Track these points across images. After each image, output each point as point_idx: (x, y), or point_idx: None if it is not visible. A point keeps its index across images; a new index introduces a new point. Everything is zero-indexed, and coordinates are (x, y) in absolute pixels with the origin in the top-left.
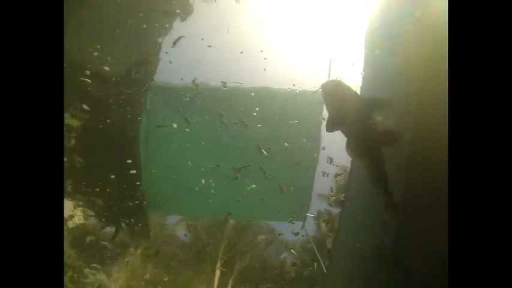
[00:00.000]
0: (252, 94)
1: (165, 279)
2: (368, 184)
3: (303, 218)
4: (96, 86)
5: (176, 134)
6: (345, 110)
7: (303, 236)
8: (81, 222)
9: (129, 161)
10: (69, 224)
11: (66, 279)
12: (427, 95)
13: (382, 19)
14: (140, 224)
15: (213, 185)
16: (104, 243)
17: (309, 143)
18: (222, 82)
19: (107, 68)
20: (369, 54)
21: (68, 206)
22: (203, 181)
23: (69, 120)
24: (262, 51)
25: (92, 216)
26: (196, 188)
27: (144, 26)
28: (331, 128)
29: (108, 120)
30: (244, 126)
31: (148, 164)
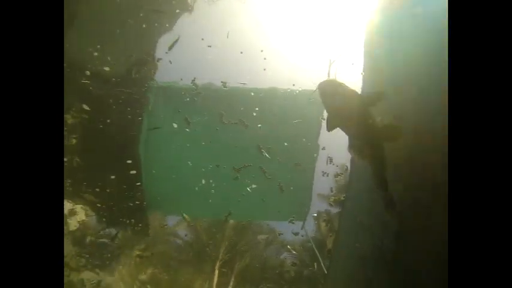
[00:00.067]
0: (252, 94)
1: (166, 278)
2: (372, 183)
3: (303, 218)
4: (96, 86)
5: (176, 134)
6: (343, 108)
7: (302, 236)
8: (81, 222)
9: (129, 161)
10: (69, 224)
11: (66, 279)
12: (427, 94)
13: (382, 19)
14: (140, 225)
15: (213, 185)
16: (103, 242)
17: (309, 143)
18: (222, 82)
19: (107, 68)
20: (368, 54)
21: (68, 206)
22: (203, 181)
23: (69, 120)
24: (262, 51)
25: (92, 216)
26: (197, 188)
27: (144, 26)
28: (331, 127)
29: (108, 120)
30: (244, 126)
31: (149, 164)
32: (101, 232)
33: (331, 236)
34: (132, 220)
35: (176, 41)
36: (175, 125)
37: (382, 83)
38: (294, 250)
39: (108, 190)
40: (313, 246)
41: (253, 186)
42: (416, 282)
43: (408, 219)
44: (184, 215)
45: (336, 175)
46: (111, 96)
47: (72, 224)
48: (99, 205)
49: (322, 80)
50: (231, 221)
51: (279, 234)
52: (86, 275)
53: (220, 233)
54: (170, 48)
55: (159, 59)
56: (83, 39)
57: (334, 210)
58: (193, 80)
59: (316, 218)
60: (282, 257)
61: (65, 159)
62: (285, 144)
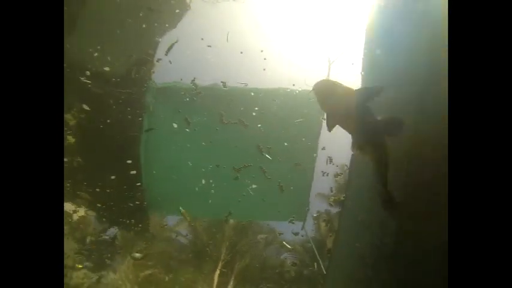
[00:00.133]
0: (252, 94)
1: (166, 279)
2: (373, 179)
3: (303, 218)
4: (97, 86)
5: (176, 134)
6: (340, 107)
7: (302, 236)
8: (81, 222)
9: (129, 162)
10: (69, 224)
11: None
12: (427, 94)
13: (382, 19)
14: (140, 225)
15: (213, 185)
16: (103, 242)
17: (309, 143)
18: (222, 82)
19: (107, 68)
20: (368, 54)
21: (68, 206)
22: (203, 181)
23: (69, 120)
24: (262, 51)
25: (92, 216)
26: (197, 189)
27: (144, 26)
28: (331, 126)
29: (108, 121)
30: (244, 126)
31: (149, 165)
32: (101, 234)
33: (331, 235)
34: (132, 220)
35: (174, 43)
36: (175, 125)
37: (382, 83)
38: (290, 246)
39: (108, 190)
40: (313, 246)
41: (253, 186)
42: (416, 282)
43: (408, 219)
44: (182, 209)
45: (336, 175)
46: (111, 96)
47: (71, 223)
48: (99, 205)
49: (316, 81)
50: (231, 221)
51: (279, 234)
52: (86, 274)
53: (221, 233)
54: (168, 51)
55: (159, 59)
56: (83, 40)
57: (334, 210)
58: (193, 80)
59: (316, 218)
60: (282, 257)
61: (65, 160)
62: (285, 144)
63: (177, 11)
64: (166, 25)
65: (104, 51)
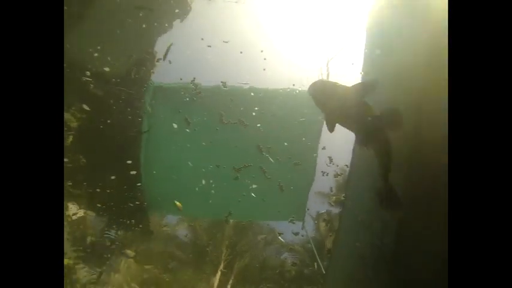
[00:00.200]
0: (252, 94)
1: (166, 279)
2: (377, 175)
3: (303, 218)
4: (97, 86)
5: (176, 134)
6: (338, 105)
7: (302, 236)
8: (81, 222)
9: (129, 162)
10: (69, 224)
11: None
12: (427, 94)
13: (382, 19)
14: (141, 225)
15: (213, 185)
16: (103, 242)
17: (309, 143)
18: (222, 82)
19: (107, 69)
20: (368, 54)
21: (68, 206)
22: (203, 181)
23: (69, 120)
24: (262, 51)
25: (92, 216)
26: (197, 189)
27: (144, 25)
28: (332, 126)
29: (109, 121)
30: (244, 126)
31: (149, 165)
32: (101, 234)
33: (330, 235)
34: (133, 220)
35: (169, 46)
36: (175, 125)
37: (382, 83)
38: (293, 249)
39: (108, 190)
40: (313, 246)
41: (254, 186)
42: (417, 282)
43: (408, 219)
44: (176, 202)
45: (336, 175)
46: (111, 96)
47: (71, 223)
48: (99, 205)
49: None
50: (231, 221)
51: (279, 234)
52: (86, 274)
53: (221, 233)
54: (165, 55)
55: (158, 59)
56: (83, 40)
57: (335, 210)
58: (193, 80)
59: (316, 218)
60: (282, 257)
61: (65, 160)
62: (285, 144)
63: (177, 11)
64: (166, 25)
65: (104, 51)
